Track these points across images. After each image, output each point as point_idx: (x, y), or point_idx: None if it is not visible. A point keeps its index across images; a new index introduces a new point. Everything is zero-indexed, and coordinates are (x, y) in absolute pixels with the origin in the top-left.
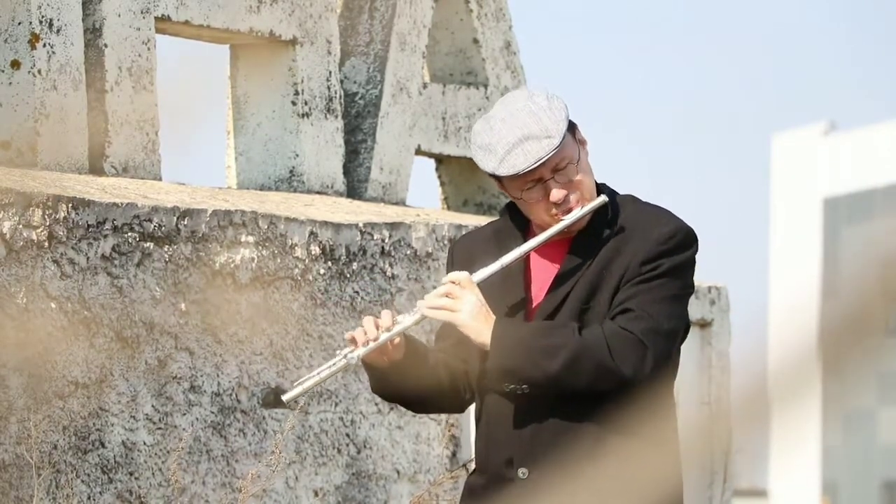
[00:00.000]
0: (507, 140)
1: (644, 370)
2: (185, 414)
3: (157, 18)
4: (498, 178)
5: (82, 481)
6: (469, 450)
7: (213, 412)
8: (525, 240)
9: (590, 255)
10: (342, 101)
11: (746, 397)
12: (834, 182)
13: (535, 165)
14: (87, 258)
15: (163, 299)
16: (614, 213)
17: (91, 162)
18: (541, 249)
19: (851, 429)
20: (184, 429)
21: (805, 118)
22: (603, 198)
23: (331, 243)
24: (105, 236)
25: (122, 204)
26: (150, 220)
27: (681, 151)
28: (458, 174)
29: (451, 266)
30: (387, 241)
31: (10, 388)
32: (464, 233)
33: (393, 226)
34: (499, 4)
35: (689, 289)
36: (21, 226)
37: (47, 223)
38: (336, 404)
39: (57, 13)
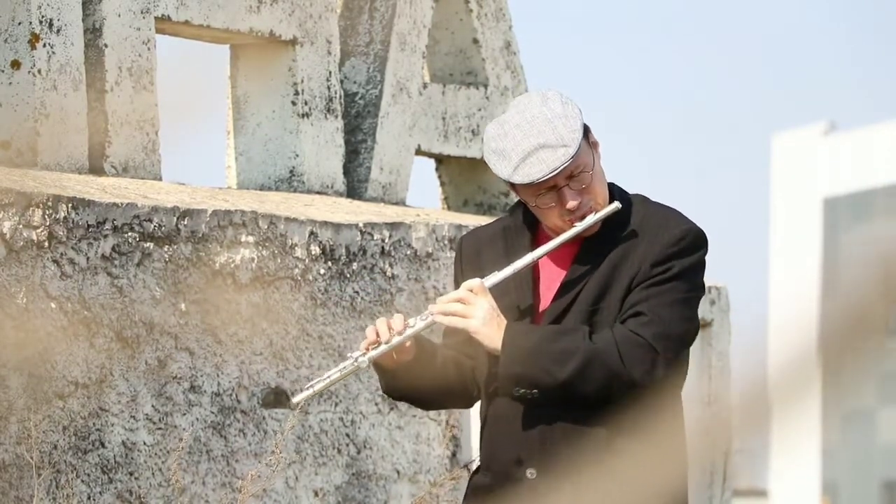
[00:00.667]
0: (521, 147)
1: (655, 375)
2: (185, 414)
3: (157, 18)
4: (511, 184)
5: (82, 481)
6: (469, 450)
7: (213, 412)
8: (534, 238)
9: (599, 258)
10: (342, 101)
11: (747, 398)
12: (834, 182)
13: (550, 175)
14: (87, 258)
15: (163, 299)
16: (625, 215)
17: (91, 162)
18: (552, 251)
19: (851, 429)
20: (184, 429)
21: (805, 118)
22: (616, 204)
23: (331, 243)
24: (105, 236)
25: (122, 204)
26: (150, 220)
27: (681, 151)
28: (458, 174)
29: (459, 260)
30: (387, 241)
31: (10, 388)
32: (471, 228)
33: (393, 226)
34: (499, 4)
35: (699, 291)
36: (21, 226)
37: (47, 223)
38: (336, 404)
39: (57, 13)
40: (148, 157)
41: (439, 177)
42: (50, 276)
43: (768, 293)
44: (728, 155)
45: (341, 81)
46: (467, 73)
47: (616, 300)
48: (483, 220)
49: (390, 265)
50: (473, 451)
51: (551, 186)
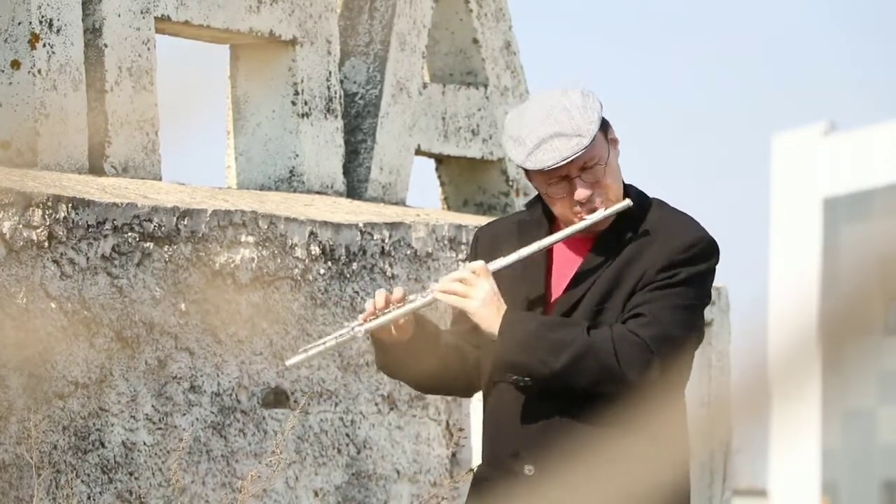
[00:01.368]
0: (537, 134)
1: (648, 376)
2: (185, 414)
3: (157, 18)
4: (525, 170)
5: (82, 481)
6: (470, 451)
7: (213, 412)
8: (550, 232)
9: (610, 257)
10: (342, 101)
11: (746, 394)
12: (834, 182)
13: (562, 163)
14: (87, 258)
15: (163, 299)
16: (639, 216)
17: (91, 162)
18: (564, 246)
19: (851, 429)
20: (184, 429)
21: (805, 118)
22: (627, 201)
23: (331, 243)
24: (105, 236)
25: (122, 204)
26: (150, 220)
27: (681, 151)
28: (458, 174)
29: (475, 252)
30: (387, 241)
31: (10, 388)
32: (488, 222)
33: (393, 226)
34: (499, 4)
35: (704, 299)
36: (21, 226)
37: (47, 223)
38: (336, 404)
39: (57, 13)
40: (148, 157)
41: (439, 177)
42: (50, 276)
43: (768, 293)
44: (728, 155)
45: (341, 81)
46: (467, 73)
47: (620, 300)
48: (483, 220)
49: (390, 265)
50: (474, 450)
51: (564, 176)
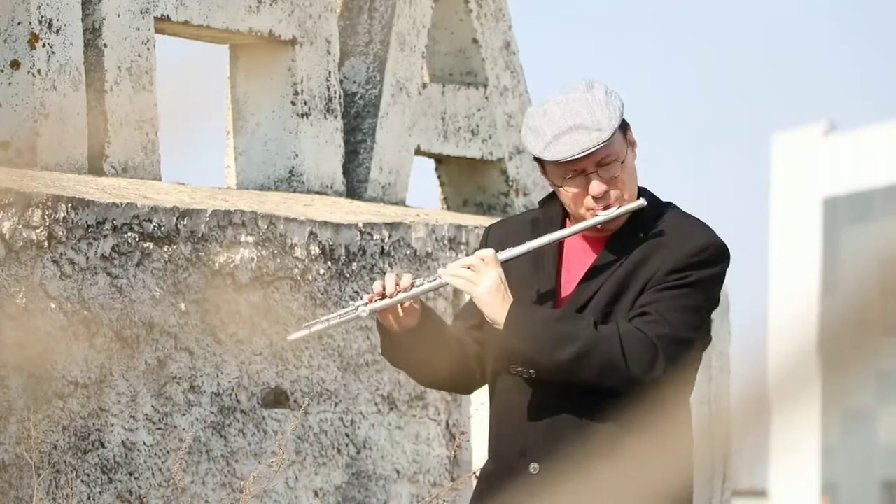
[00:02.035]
0: (557, 126)
1: (653, 373)
2: (185, 414)
3: (156, 18)
4: (541, 163)
5: (82, 481)
6: (471, 452)
7: (213, 412)
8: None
9: (621, 257)
10: (342, 101)
11: (747, 401)
12: (834, 182)
13: (580, 156)
14: (87, 258)
15: (162, 299)
16: (652, 218)
17: (91, 162)
18: (576, 245)
19: (851, 429)
20: (184, 429)
21: (805, 118)
22: (642, 201)
23: (330, 243)
24: (105, 236)
25: (121, 204)
26: (150, 220)
27: (681, 151)
28: (457, 174)
29: (484, 246)
30: (386, 241)
31: (10, 388)
32: (500, 219)
33: (393, 226)
34: (499, 4)
35: (712, 303)
36: (21, 226)
37: (47, 223)
38: (336, 404)
39: (56, 13)
40: (147, 157)
41: (439, 177)
42: (50, 276)
43: (768, 293)
44: (728, 155)
45: (341, 81)
46: (467, 73)
47: (629, 301)
48: (483, 220)
49: (390, 265)
50: (475, 451)
51: (580, 171)
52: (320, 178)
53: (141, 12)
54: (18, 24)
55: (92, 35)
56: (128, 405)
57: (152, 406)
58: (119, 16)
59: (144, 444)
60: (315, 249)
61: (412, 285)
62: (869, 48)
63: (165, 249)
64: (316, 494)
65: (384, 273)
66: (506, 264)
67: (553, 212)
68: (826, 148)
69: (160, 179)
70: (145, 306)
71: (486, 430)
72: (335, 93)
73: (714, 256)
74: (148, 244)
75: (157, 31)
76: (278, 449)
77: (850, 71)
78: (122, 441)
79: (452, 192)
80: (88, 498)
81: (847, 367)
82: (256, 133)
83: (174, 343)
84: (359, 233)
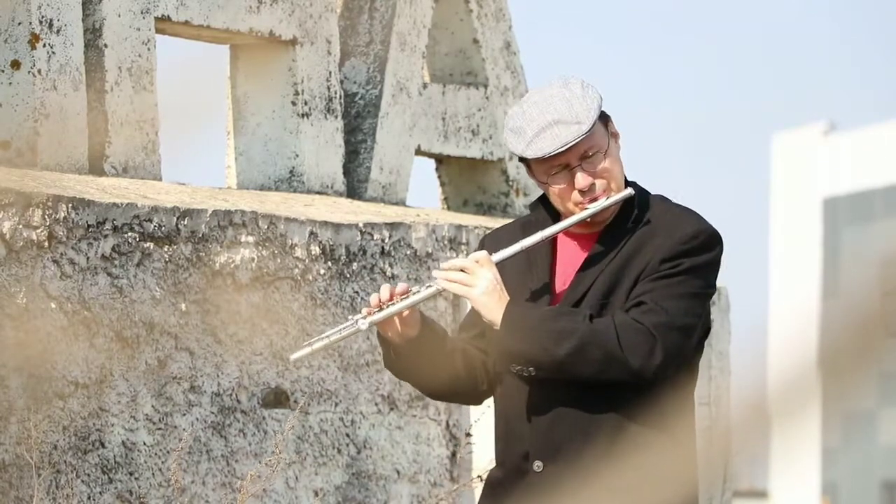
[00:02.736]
0: (537, 123)
1: (653, 363)
2: (185, 414)
3: (157, 18)
4: (526, 163)
5: (82, 481)
6: (472, 453)
7: (213, 412)
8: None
9: (614, 250)
10: (342, 101)
11: (747, 413)
12: (834, 182)
13: (562, 149)
14: (87, 258)
15: (163, 299)
16: (641, 209)
17: (91, 162)
18: (568, 242)
19: (851, 429)
20: (184, 429)
21: (805, 118)
22: (629, 190)
23: (331, 243)
24: (105, 236)
25: (122, 204)
26: (150, 220)
27: (681, 151)
28: (458, 174)
29: None
30: (387, 241)
31: (10, 388)
32: (493, 228)
33: (393, 226)
34: (499, 4)
35: (709, 289)
36: (21, 226)
37: (47, 223)
38: (336, 404)
39: (57, 13)
40: (148, 157)
41: (439, 177)
42: (50, 276)
43: (768, 293)
44: (728, 155)
45: (341, 81)
46: (467, 73)
47: (624, 293)
48: (483, 220)
49: (390, 265)
50: (475, 452)
51: (565, 165)
52: (321, 178)
53: (141, 12)
54: (19, 24)
55: (92, 35)
56: (128, 405)
57: (152, 406)
58: (119, 16)
59: (145, 444)
60: (315, 249)
61: (409, 293)
62: (869, 48)
63: (166, 249)
64: (316, 494)
65: (384, 273)
66: (499, 266)
67: (543, 214)
68: (826, 148)
69: (160, 179)
70: (146, 306)
71: (490, 431)
72: (335, 93)
73: (706, 243)
74: (148, 244)
75: (158, 31)
76: (277, 449)
77: (850, 71)
78: (123, 441)
79: (453, 192)
80: (88, 498)
81: (849, 372)
82: (257, 133)
83: (174, 343)
84: (359, 233)
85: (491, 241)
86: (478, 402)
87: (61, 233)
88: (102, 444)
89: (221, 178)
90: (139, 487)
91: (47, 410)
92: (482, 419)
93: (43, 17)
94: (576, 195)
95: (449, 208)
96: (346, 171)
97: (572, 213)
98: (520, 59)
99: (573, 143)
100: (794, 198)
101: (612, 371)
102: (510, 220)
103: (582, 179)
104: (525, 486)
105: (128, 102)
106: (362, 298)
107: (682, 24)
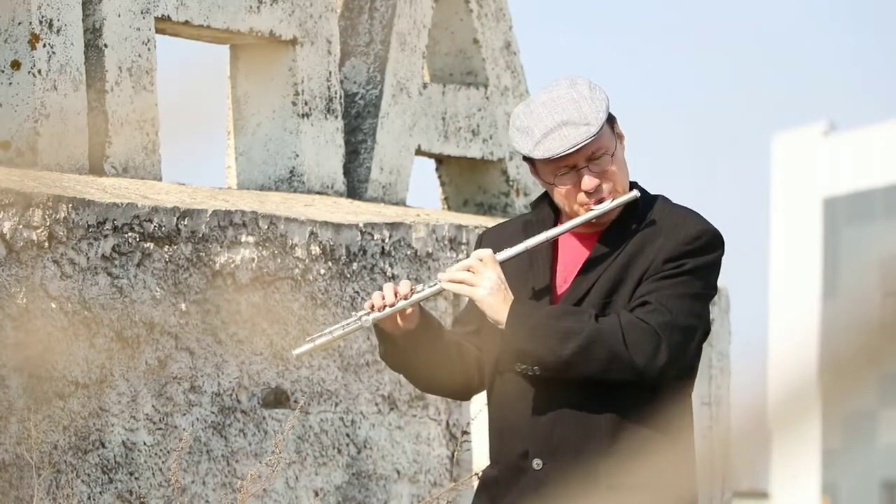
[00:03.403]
0: (545, 124)
1: (657, 362)
2: (185, 414)
3: (157, 18)
4: (532, 162)
5: (82, 481)
6: (472, 453)
7: (213, 412)
8: None
9: (617, 249)
10: (342, 101)
11: (747, 422)
12: (834, 182)
13: (571, 151)
14: (87, 258)
15: (163, 299)
16: (644, 210)
17: (91, 162)
18: (569, 241)
19: (851, 429)
20: (184, 429)
21: (805, 118)
22: (635, 193)
23: (331, 243)
24: (105, 236)
25: (122, 204)
26: (151, 221)
27: (681, 151)
28: (458, 174)
29: None
30: (387, 241)
31: (10, 388)
32: (493, 224)
33: (393, 226)
34: (499, 4)
35: (710, 290)
36: (21, 226)
37: (47, 223)
38: (336, 404)
39: (57, 13)
40: (148, 157)
41: (439, 177)
42: (50, 276)
43: (768, 294)
44: (728, 155)
45: (341, 81)
46: (467, 73)
47: (627, 293)
48: (483, 220)
49: (390, 265)
50: (475, 452)
51: (571, 166)
52: (321, 178)
53: (141, 12)
54: (19, 24)
55: (92, 35)
56: (128, 405)
57: (153, 406)
58: (119, 16)
59: (145, 444)
60: (315, 249)
61: (412, 291)
62: (869, 48)
63: (166, 249)
64: (316, 494)
65: (384, 273)
66: (501, 264)
67: (545, 213)
68: (826, 148)
69: (161, 179)
70: (146, 306)
71: (486, 432)
72: (336, 93)
73: (709, 243)
74: (148, 244)
75: (158, 31)
76: (277, 448)
77: (850, 71)
78: (123, 441)
79: (453, 192)
80: (89, 498)
81: (851, 375)
82: (257, 133)
83: (175, 343)
84: (359, 233)
85: (490, 239)
86: (467, 397)
87: (61, 233)
88: (102, 444)
89: (221, 178)
90: (139, 487)
91: (47, 410)
92: (479, 416)
93: (43, 17)
94: (581, 196)
95: (449, 208)
96: (347, 171)
97: (577, 214)
98: (520, 59)
99: (582, 144)
100: (794, 198)
101: (616, 370)
102: (508, 218)
103: (589, 181)
104: (523, 484)
105: (128, 102)
106: (362, 298)
107: (683, 24)
